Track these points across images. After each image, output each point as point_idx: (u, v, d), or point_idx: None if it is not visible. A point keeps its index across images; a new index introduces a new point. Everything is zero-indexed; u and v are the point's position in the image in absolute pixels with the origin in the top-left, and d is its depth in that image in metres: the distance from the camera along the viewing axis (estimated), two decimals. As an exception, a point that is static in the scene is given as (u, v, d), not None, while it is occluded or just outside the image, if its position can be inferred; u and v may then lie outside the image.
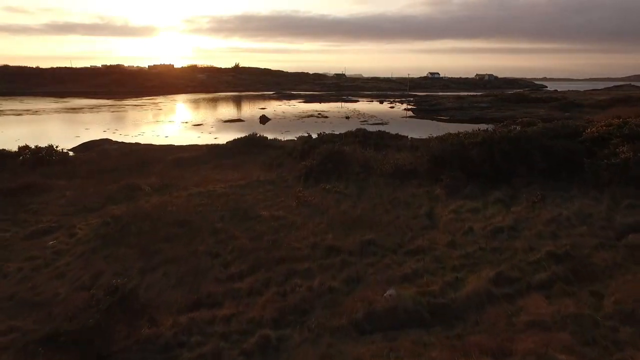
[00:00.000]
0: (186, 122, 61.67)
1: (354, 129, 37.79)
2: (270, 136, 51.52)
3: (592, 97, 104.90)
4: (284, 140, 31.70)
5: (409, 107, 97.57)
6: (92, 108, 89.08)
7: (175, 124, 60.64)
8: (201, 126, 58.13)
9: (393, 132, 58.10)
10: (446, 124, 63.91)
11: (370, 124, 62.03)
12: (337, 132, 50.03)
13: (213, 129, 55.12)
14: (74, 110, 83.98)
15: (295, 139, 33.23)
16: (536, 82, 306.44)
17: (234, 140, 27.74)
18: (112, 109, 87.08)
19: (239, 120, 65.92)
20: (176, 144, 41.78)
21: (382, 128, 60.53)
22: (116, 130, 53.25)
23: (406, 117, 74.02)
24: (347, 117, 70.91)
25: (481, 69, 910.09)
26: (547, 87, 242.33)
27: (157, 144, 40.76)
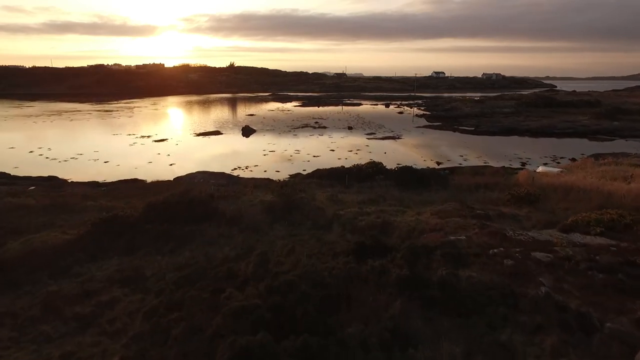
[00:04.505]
0: (148, 137, 49.01)
1: (363, 163, 25.25)
2: (247, 157, 37.03)
3: (626, 99, 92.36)
4: (248, 193, 18.91)
5: (421, 112, 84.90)
6: (52, 114, 76.50)
7: (135, 138, 48.04)
8: (164, 142, 45.54)
9: (409, 148, 45.48)
10: (474, 137, 51.35)
11: (379, 138, 49.45)
12: (337, 157, 37.31)
13: (177, 147, 42.53)
14: (28, 117, 71.34)
15: (276, 178, 20.92)
16: (545, 82, 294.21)
17: (154, 204, 15.05)
18: (74, 116, 74.47)
19: (216, 132, 53.27)
20: (106, 177, 29.32)
21: (394, 143, 47.92)
22: (50, 149, 40.73)
23: (421, 126, 61.33)
24: (350, 128, 58.28)
25: (482, 67, 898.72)
26: (556, 86, 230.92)
27: (71, 177, 28.23)
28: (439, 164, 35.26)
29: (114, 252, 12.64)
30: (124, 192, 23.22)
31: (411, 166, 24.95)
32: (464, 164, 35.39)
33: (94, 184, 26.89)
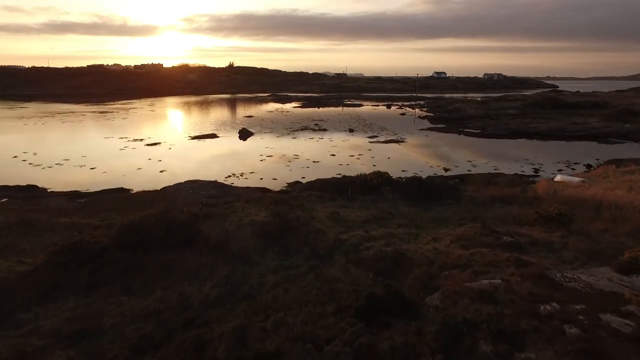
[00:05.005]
0: (141, 140, 46.95)
1: (368, 174, 23.01)
2: (243, 162, 33.78)
3: (634, 100, 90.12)
4: (239, 210, 16.71)
5: (423, 113, 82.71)
6: (45, 116, 74.44)
7: (126, 141, 45.98)
8: (157, 146, 43.46)
9: (414, 152, 43.18)
10: (481, 140, 49.23)
11: (382, 141, 47.33)
12: (338, 162, 34.24)
13: (169, 152, 40.44)
14: (20, 118, 69.27)
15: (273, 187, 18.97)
16: (546, 82, 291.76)
17: (128, 226, 12.96)
18: (67, 117, 72.39)
19: (212, 135, 51.19)
20: (90, 185, 27.22)
21: (397, 146, 45.56)
22: (36, 153, 38.70)
23: (425, 128, 59.23)
24: (351, 130, 56.21)
25: (483, 67, 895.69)
26: (558, 86, 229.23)
27: (52, 186, 26.13)
28: (446, 170, 33.17)
29: (72, 290, 10.56)
30: (103, 205, 21.15)
31: (420, 177, 22.89)
32: (473, 170, 33.32)
33: (74, 195, 24.82)
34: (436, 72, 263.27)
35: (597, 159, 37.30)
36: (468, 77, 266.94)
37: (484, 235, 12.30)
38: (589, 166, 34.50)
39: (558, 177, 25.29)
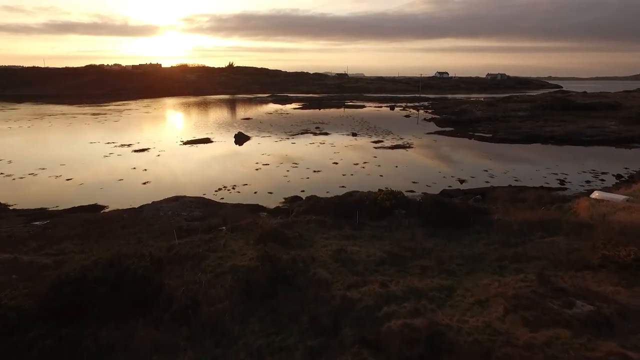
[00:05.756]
0: (129, 146, 43.64)
1: (378, 193, 19.39)
2: (236, 172, 30.64)
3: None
4: (220, 246, 13.19)
5: (429, 114, 79.16)
6: (34, 118, 71.17)
7: (113, 147, 42.68)
8: (145, 152, 40.12)
9: (424, 160, 38.92)
10: (494, 145, 45.76)
11: (388, 147, 43.91)
12: (341, 173, 29.61)
13: (157, 159, 37.10)
14: (6, 121, 66.00)
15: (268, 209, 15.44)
16: (549, 82, 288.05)
17: (63, 282, 9.63)
18: (56, 120, 69.12)
19: (206, 140, 47.84)
20: (60, 201, 23.89)
21: (405, 153, 41.95)
22: (11, 161, 35.49)
23: (432, 132, 55.75)
24: (354, 134, 52.78)
25: (484, 67, 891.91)
26: (562, 86, 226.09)
27: (17, 202, 22.81)
28: (462, 181, 29.82)
29: None
30: (66, 229, 17.84)
31: (439, 197, 19.43)
32: (491, 181, 29.98)
33: (38, 214, 21.51)
34: (439, 72, 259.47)
35: (626, 168, 33.95)
36: (471, 77, 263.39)
37: (547, 296, 8.96)
38: (619, 177, 31.13)
39: (596, 194, 21.91)
